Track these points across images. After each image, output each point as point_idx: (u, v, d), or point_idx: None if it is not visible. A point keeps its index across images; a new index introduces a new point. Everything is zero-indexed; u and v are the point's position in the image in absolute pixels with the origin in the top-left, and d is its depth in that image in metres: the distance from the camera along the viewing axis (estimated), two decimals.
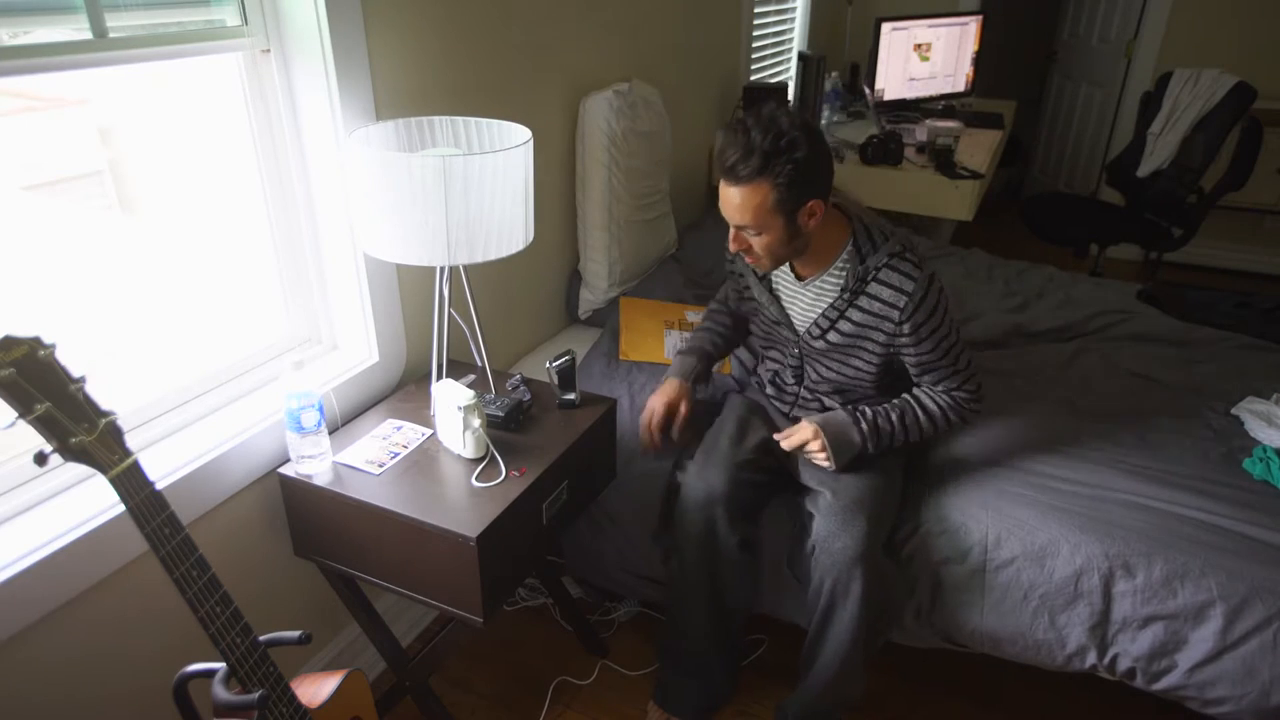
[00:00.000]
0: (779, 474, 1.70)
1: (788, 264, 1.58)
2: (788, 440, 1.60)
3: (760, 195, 1.36)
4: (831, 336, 1.58)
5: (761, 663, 1.90)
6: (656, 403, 1.71)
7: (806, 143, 1.34)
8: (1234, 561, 1.45)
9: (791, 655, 1.69)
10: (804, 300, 1.60)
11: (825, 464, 1.58)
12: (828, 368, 1.64)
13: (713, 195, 3.32)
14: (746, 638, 1.94)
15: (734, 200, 1.40)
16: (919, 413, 1.60)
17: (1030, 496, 1.60)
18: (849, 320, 1.54)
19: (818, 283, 1.56)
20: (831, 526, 1.49)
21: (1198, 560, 1.46)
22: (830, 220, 1.50)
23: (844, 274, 1.53)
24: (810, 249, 1.51)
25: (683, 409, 1.71)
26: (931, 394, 1.60)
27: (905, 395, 1.63)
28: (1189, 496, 1.58)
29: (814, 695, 1.60)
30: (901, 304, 1.48)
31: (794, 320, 1.63)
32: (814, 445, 1.57)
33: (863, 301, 1.52)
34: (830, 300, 1.56)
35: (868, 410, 1.59)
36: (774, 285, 1.64)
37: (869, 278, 1.50)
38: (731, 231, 1.47)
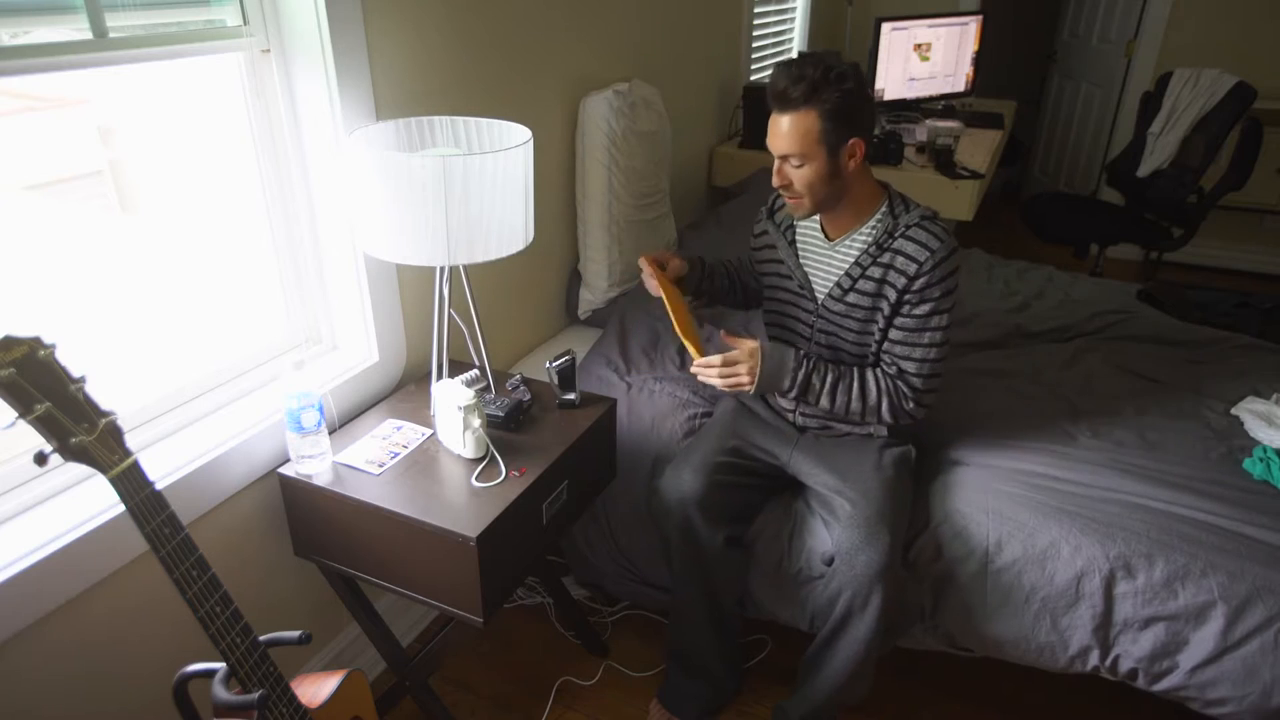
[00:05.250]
0: (764, 475, 1.69)
1: (818, 225, 1.59)
2: (716, 357, 1.52)
3: (807, 122, 1.40)
4: (851, 298, 1.55)
5: (760, 663, 1.90)
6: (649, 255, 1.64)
7: (854, 78, 1.39)
8: (1235, 562, 1.45)
9: (791, 656, 1.69)
10: (830, 264, 1.58)
11: (733, 387, 1.53)
12: (843, 337, 1.59)
13: (713, 195, 3.33)
14: (749, 639, 1.94)
15: (782, 128, 1.42)
16: (855, 383, 1.55)
17: (1030, 498, 1.59)
18: (870, 279, 1.53)
19: (847, 242, 1.55)
20: (855, 540, 1.48)
21: (1199, 561, 1.45)
22: (869, 182, 1.53)
23: (875, 231, 1.53)
24: (846, 202, 1.51)
25: (672, 263, 1.66)
26: (881, 374, 1.56)
27: (855, 366, 1.58)
28: (1189, 497, 1.58)
29: (818, 700, 1.59)
30: (923, 258, 1.47)
31: (815, 286, 1.61)
32: (742, 368, 1.52)
33: (886, 258, 1.51)
34: (855, 258, 1.55)
35: (809, 360, 1.55)
36: (800, 252, 1.63)
37: (898, 234, 1.51)
38: (775, 165, 1.48)
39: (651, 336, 2.13)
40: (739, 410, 1.78)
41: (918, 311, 1.50)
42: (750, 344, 1.54)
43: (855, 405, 1.55)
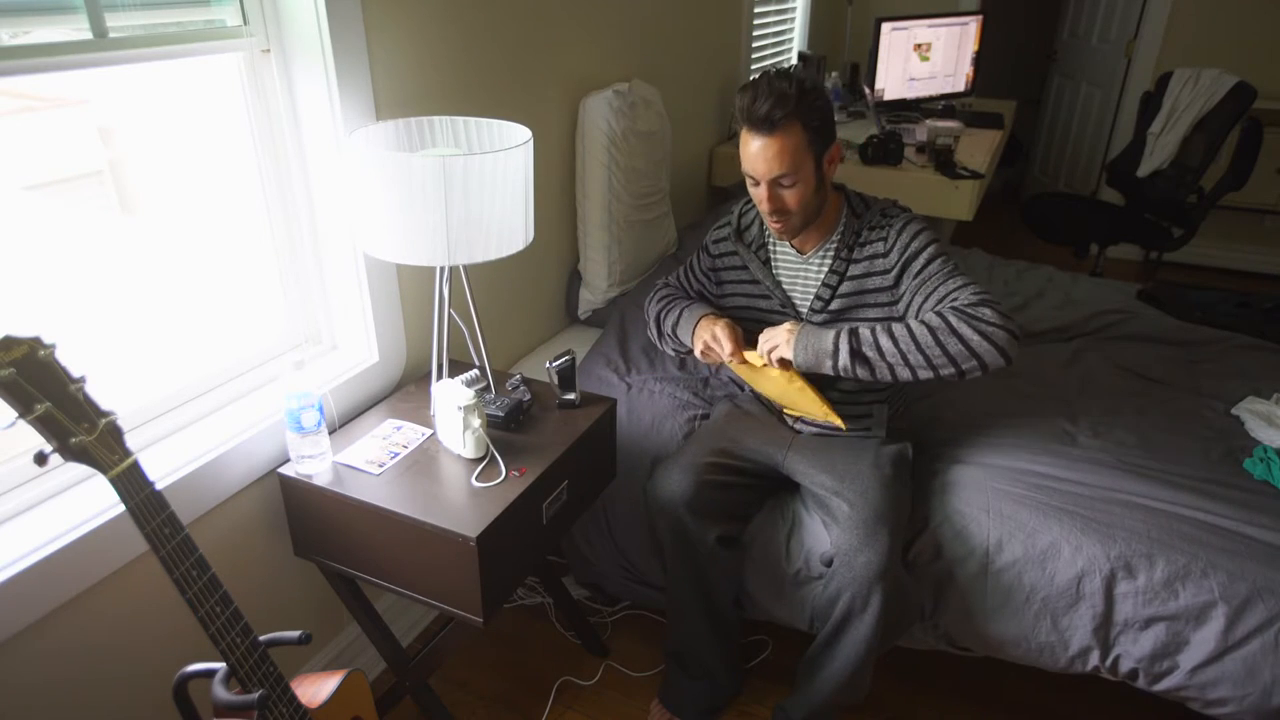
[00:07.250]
0: (756, 475, 1.69)
1: (789, 242, 1.60)
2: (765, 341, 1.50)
3: (795, 138, 1.40)
4: (834, 305, 1.57)
5: (760, 663, 1.90)
6: (716, 330, 1.56)
7: (821, 88, 1.44)
8: (1235, 562, 1.44)
9: (791, 656, 1.69)
10: (806, 276, 1.60)
11: (782, 350, 1.47)
12: None
13: (713, 195, 3.33)
14: (749, 639, 1.94)
15: (771, 149, 1.41)
16: (909, 324, 1.41)
17: (1031, 498, 1.59)
18: (849, 280, 1.55)
19: (820, 253, 1.58)
20: (854, 541, 1.48)
21: (1199, 561, 1.45)
22: (831, 188, 1.56)
23: (842, 236, 1.56)
24: (817, 215, 1.53)
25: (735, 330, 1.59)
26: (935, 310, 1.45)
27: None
28: (1190, 497, 1.58)
29: (818, 700, 1.59)
30: (888, 233, 1.52)
31: (796, 302, 1.62)
32: (780, 336, 1.48)
33: (857, 253, 1.55)
34: (830, 266, 1.57)
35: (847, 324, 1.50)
36: (775, 270, 1.64)
37: (863, 230, 1.55)
38: (764, 191, 1.45)
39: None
40: (732, 412, 1.78)
41: (919, 264, 1.49)
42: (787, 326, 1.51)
43: (923, 335, 1.38)
